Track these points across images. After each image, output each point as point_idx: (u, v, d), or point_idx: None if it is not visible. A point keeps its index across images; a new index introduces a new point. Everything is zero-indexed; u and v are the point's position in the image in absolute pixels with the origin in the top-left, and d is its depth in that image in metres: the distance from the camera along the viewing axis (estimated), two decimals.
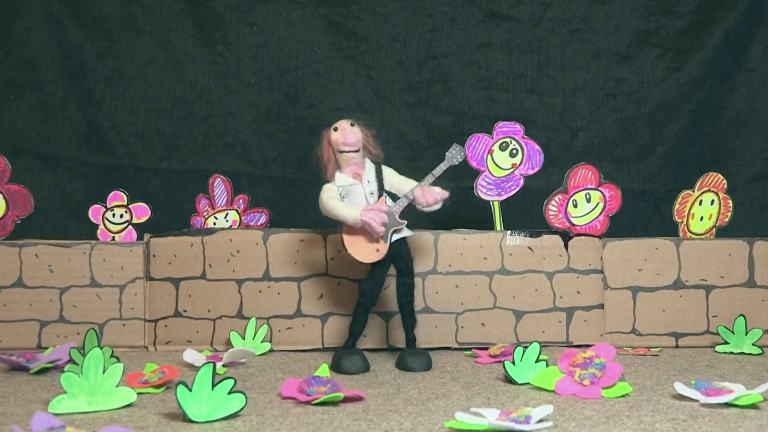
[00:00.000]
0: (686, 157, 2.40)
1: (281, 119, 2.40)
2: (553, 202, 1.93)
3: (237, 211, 2.14)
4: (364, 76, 2.41)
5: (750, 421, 1.18)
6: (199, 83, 2.39)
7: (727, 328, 1.81)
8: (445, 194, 1.63)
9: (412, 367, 1.61)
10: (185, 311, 1.87)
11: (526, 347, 1.50)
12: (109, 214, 2.02)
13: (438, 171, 1.64)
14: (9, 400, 1.35)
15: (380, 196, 1.63)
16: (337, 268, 1.85)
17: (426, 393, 1.39)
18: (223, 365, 1.63)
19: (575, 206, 1.93)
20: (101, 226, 2.02)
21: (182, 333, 1.87)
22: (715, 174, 2.00)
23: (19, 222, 1.95)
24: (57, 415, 1.21)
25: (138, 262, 1.89)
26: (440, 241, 1.86)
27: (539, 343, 1.51)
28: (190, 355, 1.68)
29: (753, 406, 1.26)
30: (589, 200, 1.93)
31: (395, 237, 1.61)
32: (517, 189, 1.95)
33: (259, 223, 2.15)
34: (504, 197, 1.95)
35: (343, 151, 1.61)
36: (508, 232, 1.88)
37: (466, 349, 1.83)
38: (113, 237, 2.01)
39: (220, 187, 2.12)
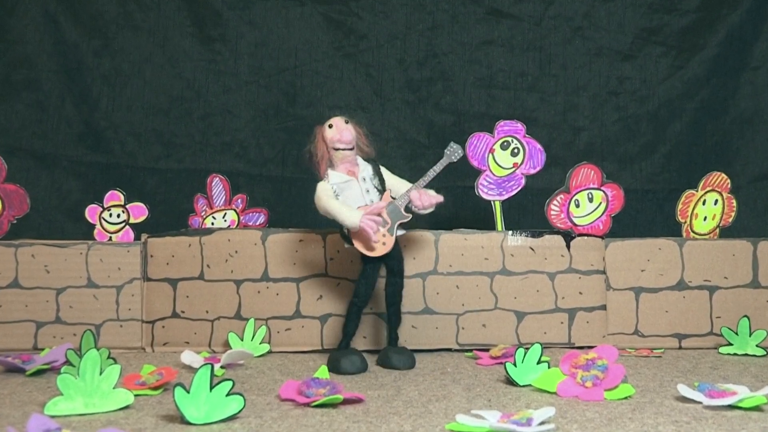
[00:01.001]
0: (690, 156, 2.40)
1: (280, 118, 2.40)
2: (555, 202, 1.93)
3: (235, 210, 2.14)
4: (363, 75, 2.41)
5: (754, 423, 1.18)
6: (197, 81, 2.39)
7: (730, 329, 1.81)
8: (440, 198, 1.65)
9: (396, 365, 1.62)
10: (183, 312, 1.87)
11: (527, 349, 1.50)
12: (106, 214, 2.02)
13: (438, 167, 1.67)
14: (5, 402, 1.35)
15: (382, 192, 1.64)
16: (336, 269, 1.85)
17: (426, 395, 1.39)
18: (222, 367, 1.63)
19: (577, 206, 1.93)
20: (98, 226, 2.02)
21: (180, 334, 1.87)
22: (718, 173, 2.00)
23: (15, 222, 1.96)
24: (53, 417, 1.22)
25: (135, 262, 1.89)
26: (441, 242, 1.86)
27: (541, 344, 1.51)
28: (188, 357, 1.68)
29: (757, 408, 1.26)
30: (591, 200, 1.93)
31: (401, 232, 1.64)
32: (519, 189, 1.95)
33: (257, 223, 2.15)
34: (505, 197, 1.95)
35: (339, 149, 1.61)
36: (510, 232, 1.88)
37: (467, 351, 1.83)
38: (110, 237, 2.01)
39: (218, 186, 2.13)
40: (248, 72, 2.40)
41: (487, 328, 1.85)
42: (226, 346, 1.82)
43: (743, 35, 2.40)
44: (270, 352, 1.82)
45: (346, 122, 1.63)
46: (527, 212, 2.27)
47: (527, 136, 1.96)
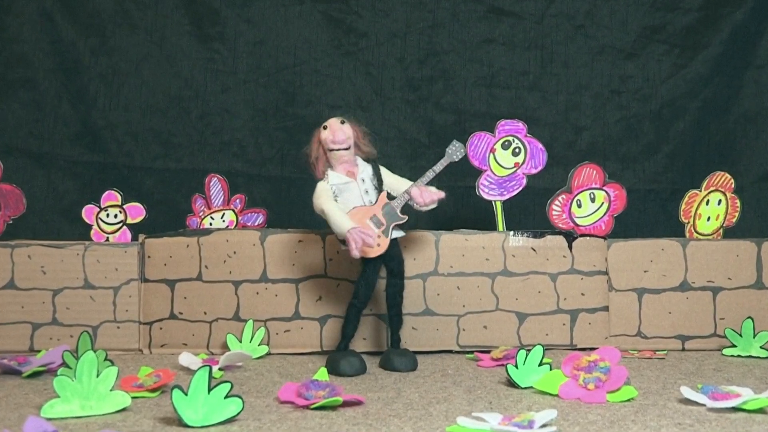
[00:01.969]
0: (693, 156, 2.40)
1: (279, 117, 2.40)
2: (556, 202, 1.93)
3: (234, 211, 2.14)
4: (363, 73, 2.41)
5: (758, 426, 1.18)
6: (195, 80, 2.39)
7: (734, 330, 1.81)
8: (441, 194, 1.65)
9: (398, 367, 1.63)
10: (181, 313, 1.87)
11: (529, 350, 1.49)
12: (103, 214, 2.02)
13: (438, 167, 1.67)
14: (0, 404, 1.35)
15: (380, 192, 1.65)
16: (335, 270, 1.85)
17: (427, 397, 1.39)
18: (220, 369, 1.63)
19: (579, 206, 1.93)
20: (95, 227, 2.02)
21: (178, 336, 1.87)
22: (722, 173, 2.00)
23: (11, 222, 1.96)
24: (50, 419, 1.21)
25: (132, 263, 1.89)
26: (441, 242, 1.86)
27: (542, 346, 1.51)
28: (186, 359, 1.68)
29: (761, 411, 1.26)
30: (593, 200, 1.93)
31: (395, 234, 1.63)
32: (520, 189, 1.95)
33: (256, 224, 2.15)
34: (506, 197, 1.95)
35: (333, 149, 1.62)
36: (511, 232, 1.88)
37: (467, 352, 1.83)
38: (107, 238, 2.01)
39: (216, 186, 2.12)
40: (247, 71, 2.40)
41: (488, 329, 1.85)
42: (225, 347, 1.82)
43: (747, 33, 2.40)
44: (269, 353, 1.82)
45: (342, 122, 1.64)
46: (529, 212, 2.27)
47: (529, 135, 1.96)
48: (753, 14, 2.39)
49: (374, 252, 1.62)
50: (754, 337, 1.79)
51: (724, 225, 2.00)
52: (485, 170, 1.95)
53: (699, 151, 2.41)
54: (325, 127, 1.63)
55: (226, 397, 1.22)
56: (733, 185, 2.01)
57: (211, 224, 2.11)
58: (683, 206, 1.99)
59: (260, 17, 2.40)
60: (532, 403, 1.34)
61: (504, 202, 1.96)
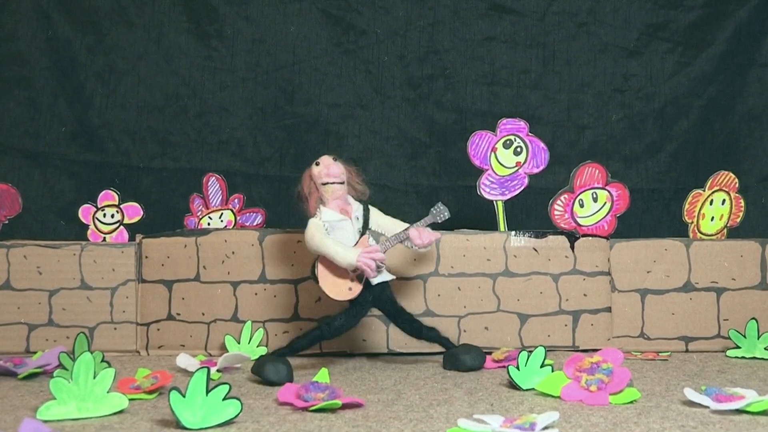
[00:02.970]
0: (696, 155, 2.40)
1: (278, 116, 2.40)
2: (558, 202, 1.93)
3: (232, 210, 2.14)
4: (363, 71, 2.41)
5: (762, 428, 1.18)
6: (193, 79, 2.39)
7: (738, 332, 1.81)
8: (438, 235, 1.66)
9: (470, 364, 1.62)
10: (178, 314, 1.87)
11: (531, 352, 1.50)
12: (99, 214, 2.02)
13: (421, 224, 1.64)
14: None
15: (362, 234, 1.63)
16: None
17: (427, 399, 1.39)
18: (218, 370, 1.63)
19: (582, 206, 1.93)
20: (92, 227, 2.02)
21: (175, 337, 1.87)
22: (726, 173, 2.00)
23: (6, 222, 1.96)
24: (46, 421, 1.22)
25: (130, 263, 1.89)
26: (442, 242, 1.86)
27: (544, 347, 1.51)
28: (184, 360, 1.68)
29: (765, 413, 1.26)
30: (596, 200, 1.93)
31: (377, 279, 1.61)
32: (522, 188, 1.95)
33: (254, 224, 2.15)
34: (508, 197, 1.95)
35: (327, 183, 1.61)
36: (513, 232, 1.88)
37: None
38: (104, 238, 2.01)
39: (214, 186, 2.13)
40: (245, 69, 2.39)
41: (489, 330, 1.85)
42: (223, 349, 1.82)
43: (751, 31, 2.40)
44: None
45: (334, 159, 1.64)
46: (530, 212, 2.27)
47: (530, 134, 1.96)
48: (757, 12, 2.39)
49: (346, 296, 1.59)
50: (758, 339, 1.79)
51: (728, 225, 2.00)
52: (486, 169, 1.95)
53: (703, 150, 2.41)
54: (317, 164, 1.63)
55: (225, 399, 1.22)
56: (737, 185, 2.01)
57: (209, 224, 2.11)
58: (687, 206, 2.00)
59: (259, 14, 2.40)
60: (533, 405, 1.34)
61: (505, 202, 1.96)
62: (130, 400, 1.35)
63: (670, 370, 1.64)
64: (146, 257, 1.88)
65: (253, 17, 2.40)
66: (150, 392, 1.41)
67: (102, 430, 1.19)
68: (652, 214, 2.39)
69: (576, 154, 2.33)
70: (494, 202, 1.96)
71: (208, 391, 1.21)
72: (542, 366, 1.48)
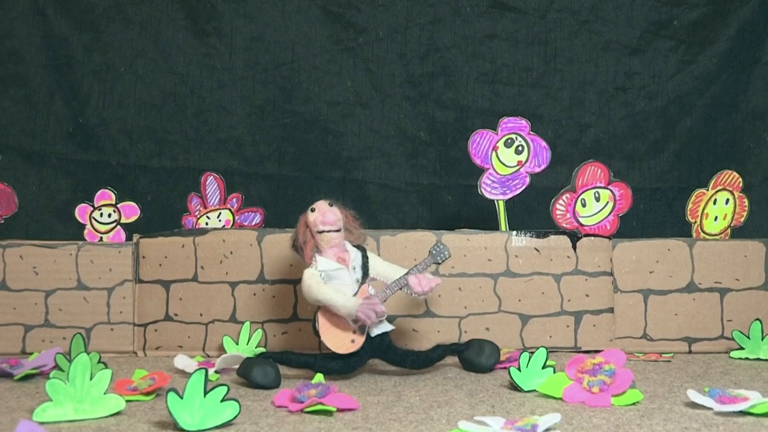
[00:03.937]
0: (700, 154, 2.40)
1: (276, 114, 2.40)
2: (560, 201, 1.93)
3: (230, 210, 2.14)
4: (363, 69, 2.41)
5: (766, 430, 1.18)
6: (191, 77, 2.39)
7: (742, 332, 1.81)
8: (439, 281, 1.60)
9: (485, 364, 1.60)
10: (176, 315, 1.87)
11: (532, 353, 1.50)
12: (96, 214, 2.02)
13: (422, 267, 1.60)
14: None
15: (363, 283, 1.59)
16: None
17: (428, 401, 1.39)
18: (216, 371, 1.63)
19: (584, 205, 1.93)
20: (88, 226, 2.02)
21: (173, 338, 1.87)
22: (730, 172, 2.00)
23: (2, 222, 1.96)
24: (42, 423, 1.22)
25: (127, 263, 1.89)
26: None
27: (546, 348, 1.51)
28: (181, 361, 1.68)
29: None
30: (598, 199, 1.93)
31: (376, 331, 1.58)
32: (523, 187, 1.95)
33: (253, 223, 2.15)
34: (509, 196, 1.95)
35: (323, 231, 1.58)
36: (514, 232, 1.88)
37: None
38: (101, 237, 2.01)
39: (212, 185, 2.13)
40: (243, 67, 2.39)
41: (490, 331, 1.85)
42: (221, 350, 1.82)
43: (755, 29, 2.40)
44: None
45: (330, 204, 1.60)
46: (532, 212, 2.27)
47: (532, 133, 1.96)
48: (761, 9, 2.39)
49: (348, 348, 1.56)
50: (762, 340, 1.79)
51: (732, 225, 2.00)
52: (487, 169, 1.95)
53: (706, 149, 2.41)
54: (312, 210, 1.60)
55: (223, 400, 1.22)
56: (741, 184, 2.01)
57: (207, 224, 2.11)
58: (690, 205, 1.99)
59: (257, 12, 2.40)
60: (535, 407, 1.34)
61: (507, 202, 1.96)
62: (127, 401, 1.35)
63: (673, 372, 1.64)
64: (143, 257, 1.88)
65: (251, 14, 2.40)
66: (147, 394, 1.41)
67: None
68: (655, 214, 2.39)
69: (578, 153, 2.33)
70: (495, 202, 1.96)
71: (206, 393, 1.21)
72: (544, 367, 1.48)
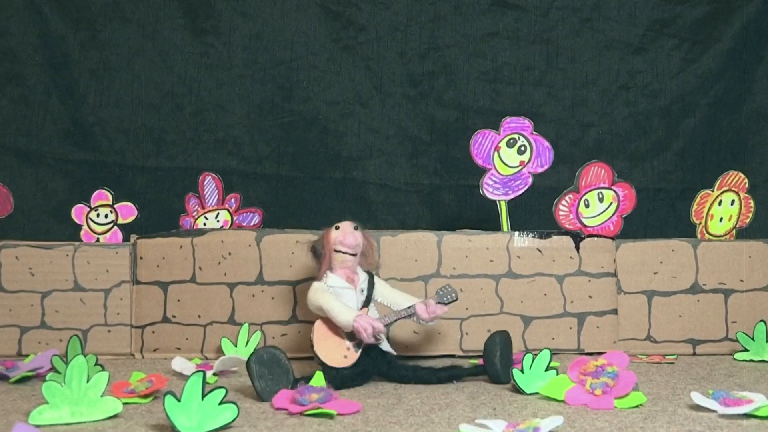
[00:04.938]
0: (704, 153, 2.40)
1: (275, 114, 2.40)
2: (563, 202, 1.93)
3: (228, 210, 2.14)
4: (363, 68, 2.41)
5: None
6: (189, 76, 2.39)
7: (747, 334, 1.81)
8: (446, 309, 1.61)
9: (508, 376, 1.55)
10: (174, 317, 1.87)
11: (535, 355, 1.50)
12: (93, 214, 2.02)
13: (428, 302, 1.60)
14: None
15: (365, 306, 1.61)
16: None
17: (428, 403, 1.39)
18: (214, 374, 1.63)
19: (587, 206, 1.93)
20: (85, 227, 2.02)
21: (171, 340, 1.87)
22: (736, 173, 2.00)
23: None
24: (38, 426, 1.22)
25: (124, 264, 1.89)
26: (444, 243, 1.86)
27: (549, 350, 1.51)
28: (179, 363, 1.68)
29: None
30: (601, 200, 1.93)
31: (386, 347, 1.59)
32: (526, 188, 1.95)
33: (251, 224, 2.15)
34: (511, 196, 1.95)
35: (339, 251, 1.60)
36: (516, 233, 1.88)
37: (471, 357, 1.83)
38: (98, 238, 2.01)
39: (210, 185, 2.13)
40: (242, 66, 2.39)
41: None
42: (219, 352, 1.82)
43: (759, 27, 2.40)
44: None
45: (356, 228, 1.63)
46: (534, 212, 2.27)
47: (534, 132, 1.96)
48: (765, 8, 2.39)
49: (341, 363, 1.55)
50: (766, 341, 1.79)
51: (737, 226, 2.00)
52: (489, 169, 1.95)
53: (710, 148, 2.41)
54: (336, 228, 1.62)
55: (221, 403, 1.22)
56: (746, 185, 2.00)
57: (205, 224, 2.11)
58: (695, 207, 1.99)
59: (256, 10, 2.40)
60: (537, 410, 1.34)
61: (509, 202, 1.96)
62: (125, 404, 1.35)
63: (676, 374, 1.64)
64: (141, 258, 1.88)
65: (249, 13, 2.40)
66: (145, 396, 1.41)
67: None
68: (659, 214, 2.39)
69: (581, 153, 2.33)
70: (497, 202, 1.95)
71: (204, 396, 1.21)
72: (546, 369, 1.49)
